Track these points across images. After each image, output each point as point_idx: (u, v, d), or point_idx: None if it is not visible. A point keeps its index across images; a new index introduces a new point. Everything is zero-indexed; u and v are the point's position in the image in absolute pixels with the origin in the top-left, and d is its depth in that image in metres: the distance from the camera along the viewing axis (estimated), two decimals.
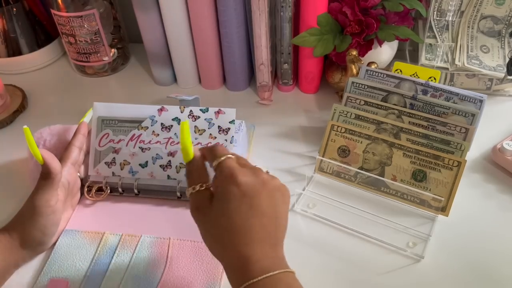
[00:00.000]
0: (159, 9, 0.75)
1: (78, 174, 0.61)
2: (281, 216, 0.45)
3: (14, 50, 0.89)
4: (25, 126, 0.51)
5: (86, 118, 0.66)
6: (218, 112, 0.62)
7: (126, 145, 0.62)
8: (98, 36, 0.83)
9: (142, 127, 0.62)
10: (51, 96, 0.86)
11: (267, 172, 0.46)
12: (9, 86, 0.85)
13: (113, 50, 0.88)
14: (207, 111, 0.62)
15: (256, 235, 0.42)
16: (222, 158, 0.45)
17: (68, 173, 0.57)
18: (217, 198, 0.44)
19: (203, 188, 0.45)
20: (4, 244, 0.51)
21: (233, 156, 0.46)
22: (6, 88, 0.82)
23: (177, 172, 0.61)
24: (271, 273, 0.40)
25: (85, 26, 0.81)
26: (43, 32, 0.91)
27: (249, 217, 0.42)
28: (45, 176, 0.52)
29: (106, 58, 0.87)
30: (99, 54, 0.86)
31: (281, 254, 0.43)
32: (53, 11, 0.81)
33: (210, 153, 0.46)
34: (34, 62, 0.91)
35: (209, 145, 0.59)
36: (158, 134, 0.62)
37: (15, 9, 0.86)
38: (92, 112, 0.64)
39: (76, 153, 0.59)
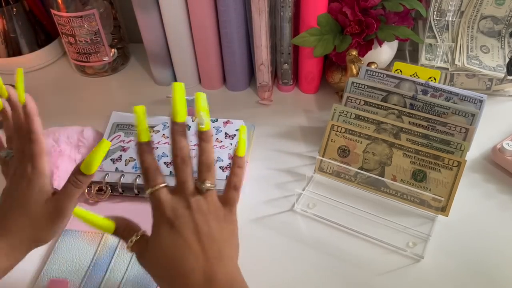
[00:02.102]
0: (159, 9, 0.75)
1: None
2: (227, 236, 0.43)
3: (14, 50, 0.89)
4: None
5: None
6: (226, 122, 0.67)
7: (135, 145, 0.63)
8: (98, 36, 0.83)
9: (153, 130, 0.66)
10: (51, 96, 0.86)
11: (211, 184, 0.44)
12: (9, 86, 0.85)
13: (113, 50, 0.88)
14: (216, 121, 0.68)
15: (198, 265, 0.40)
16: (154, 189, 0.43)
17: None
18: (152, 235, 0.43)
19: (138, 237, 0.44)
20: None
21: (163, 184, 0.43)
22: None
23: None
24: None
25: (85, 26, 0.81)
26: (43, 32, 0.91)
27: (186, 248, 0.41)
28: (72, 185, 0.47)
29: (106, 58, 0.87)
30: (99, 54, 0.86)
31: (230, 275, 0.41)
32: (53, 11, 0.81)
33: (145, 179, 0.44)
34: (34, 62, 0.91)
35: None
36: (168, 137, 0.63)
37: (15, 9, 0.86)
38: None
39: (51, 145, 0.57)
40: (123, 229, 0.45)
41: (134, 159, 0.63)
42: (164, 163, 0.62)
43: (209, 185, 0.43)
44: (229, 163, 0.62)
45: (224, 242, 0.42)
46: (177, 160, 0.43)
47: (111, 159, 0.64)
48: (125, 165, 0.63)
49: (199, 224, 0.41)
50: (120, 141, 0.66)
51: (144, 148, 0.44)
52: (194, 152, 0.63)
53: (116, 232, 0.45)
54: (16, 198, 0.46)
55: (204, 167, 0.44)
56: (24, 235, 0.46)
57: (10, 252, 0.46)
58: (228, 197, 0.44)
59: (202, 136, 0.46)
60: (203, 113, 0.46)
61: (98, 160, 0.46)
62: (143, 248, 0.43)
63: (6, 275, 0.46)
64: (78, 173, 0.46)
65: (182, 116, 0.45)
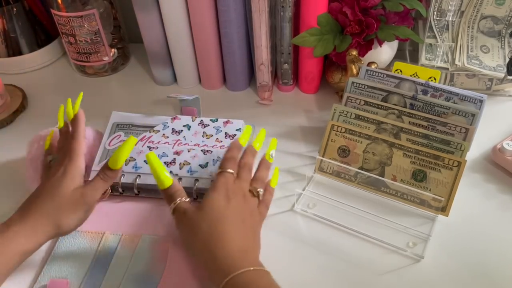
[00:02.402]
0: (159, 9, 0.75)
1: None
2: (258, 235, 0.52)
3: (14, 50, 0.89)
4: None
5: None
6: (226, 122, 0.67)
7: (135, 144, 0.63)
8: (98, 36, 0.83)
9: (153, 130, 0.66)
10: (51, 96, 0.86)
11: (258, 193, 0.54)
12: (9, 86, 0.85)
13: (113, 50, 0.88)
14: (216, 121, 0.67)
15: (240, 235, 0.48)
16: (225, 170, 0.53)
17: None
18: (206, 198, 0.50)
19: (187, 200, 0.51)
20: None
21: (234, 173, 0.54)
22: (6, 88, 0.82)
23: (180, 169, 0.61)
24: (256, 267, 0.44)
25: (85, 26, 0.81)
26: (43, 32, 0.91)
27: (235, 219, 0.49)
28: (105, 178, 0.53)
29: (106, 58, 0.87)
30: (99, 54, 0.86)
31: (259, 261, 0.48)
32: (53, 11, 0.81)
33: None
34: (34, 62, 0.91)
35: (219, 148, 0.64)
36: (168, 137, 0.65)
37: (15, 9, 0.86)
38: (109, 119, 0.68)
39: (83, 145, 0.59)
40: (175, 190, 0.51)
41: (135, 159, 0.63)
42: (165, 162, 0.62)
43: (261, 192, 0.54)
44: None
45: (257, 240, 0.51)
46: (242, 170, 0.55)
47: None
48: (125, 165, 0.63)
49: (246, 212, 0.51)
50: (120, 141, 0.66)
51: (237, 145, 0.57)
52: (193, 152, 0.64)
53: (168, 189, 0.51)
54: (49, 183, 0.51)
55: (259, 180, 0.55)
56: (47, 218, 0.49)
57: (31, 235, 0.49)
58: (261, 211, 0.54)
59: (266, 163, 0.58)
60: (273, 151, 0.59)
61: (124, 156, 0.52)
62: (191, 208, 0.50)
63: (26, 258, 0.49)
64: (106, 168, 0.52)
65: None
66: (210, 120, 0.67)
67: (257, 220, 0.53)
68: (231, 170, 0.53)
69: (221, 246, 0.46)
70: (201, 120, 0.67)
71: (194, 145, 0.64)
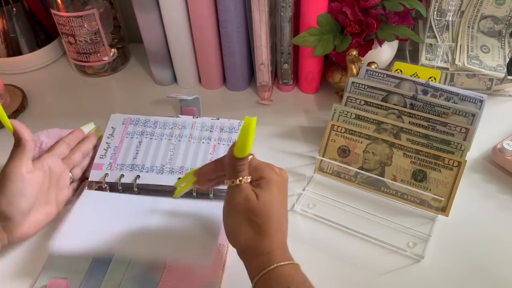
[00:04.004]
0: (159, 9, 0.75)
1: (70, 174, 0.61)
2: (287, 210, 0.50)
3: (14, 50, 0.89)
4: None
5: (86, 128, 0.66)
6: (229, 120, 0.67)
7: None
8: (98, 36, 0.83)
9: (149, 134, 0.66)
10: (51, 96, 0.86)
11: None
12: (9, 86, 0.85)
13: (113, 50, 0.88)
14: (218, 120, 0.67)
15: (282, 224, 0.48)
16: (250, 157, 0.48)
17: (50, 160, 0.57)
18: (257, 189, 0.47)
19: (248, 181, 0.47)
20: None
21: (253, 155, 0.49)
22: (6, 88, 0.82)
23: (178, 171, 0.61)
24: (293, 262, 0.45)
25: (85, 26, 0.81)
26: (43, 32, 0.91)
27: (283, 207, 0.48)
28: (16, 143, 0.53)
29: (106, 58, 0.87)
30: (99, 54, 0.86)
31: (290, 254, 0.48)
32: (53, 11, 0.81)
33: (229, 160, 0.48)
34: (34, 62, 0.91)
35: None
36: (165, 138, 0.65)
37: (15, 9, 0.86)
38: (110, 119, 0.68)
39: (63, 147, 0.60)
40: (245, 164, 0.47)
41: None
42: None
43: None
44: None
45: (287, 215, 0.50)
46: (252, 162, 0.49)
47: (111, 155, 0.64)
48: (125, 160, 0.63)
49: (284, 193, 0.49)
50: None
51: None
52: (191, 146, 0.64)
53: (241, 160, 0.47)
54: None
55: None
56: None
57: None
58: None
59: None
60: None
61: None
62: (251, 193, 0.46)
63: None
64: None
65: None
66: (211, 119, 0.67)
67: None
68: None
69: (268, 240, 0.46)
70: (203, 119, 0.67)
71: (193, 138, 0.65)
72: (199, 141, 0.65)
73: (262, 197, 0.46)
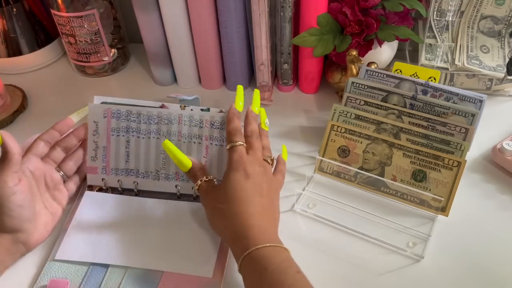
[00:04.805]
0: (159, 9, 0.75)
1: (62, 172, 0.60)
2: (277, 203, 0.55)
3: (14, 50, 0.89)
4: None
5: (78, 114, 0.64)
6: (219, 112, 0.61)
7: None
8: (98, 36, 0.83)
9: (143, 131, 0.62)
10: (51, 96, 0.86)
11: (272, 160, 0.58)
12: (9, 86, 0.85)
13: (113, 50, 0.88)
14: (208, 111, 0.62)
15: (259, 210, 0.50)
16: (238, 143, 0.54)
17: (29, 163, 0.56)
18: (225, 177, 0.52)
19: (208, 179, 0.54)
20: None
21: (244, 145, 0.55)
22: (6, 88, 0.82)
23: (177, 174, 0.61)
24: (273, 244, 0.46)
25: (85, 26, 0.81)
26: (43, 32, 0.91)
27: (253, 195, 0.51)
28: (3, 156, 0.52)
29: (106, 58, 0.87)
30: (99, 54, 0.86)
31: (277, 237, 0.50)
32: (53, 11, 0.81)
33: (228, 132, 0.56)
34: (34, 62, 0.91)
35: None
36: (161, 134, 0.61)
37: (15, 9, 0.86)
38: (88, 110, 0.63)
39: (40, 146, 0.58)
40: (198, 169, 0.55)
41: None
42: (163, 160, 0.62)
43: (272, 158, 0.58)
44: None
45: (276, 211, 0.54)
46: (251, 138, 0.56)
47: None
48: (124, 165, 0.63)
49: (264, 183, 0.53)
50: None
51: (236, 113, 0.58)
52: (182, 147, 0.63)
53: (190, 171, 0.55)
54: None
55: (266, 148, 0.59)
56: None
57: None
58: (278, 179, 0.58)
59: (264, 132, 0.61)
60: (267, 120, 0.63)
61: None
62: (212, 186, 0.54)
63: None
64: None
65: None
66: (201, 110, 0.61)
67: (275, 187, 0.56)
68: (240, 142, 0.54)
69: (242, 224, 0.48)
70: (191, 109, 0.61)
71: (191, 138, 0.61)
72: (190, 140, 0.60)
73: (223, 184, 0.52)
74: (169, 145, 0.55)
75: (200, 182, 0.54)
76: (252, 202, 0.50)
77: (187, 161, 0.55)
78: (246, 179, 0.51)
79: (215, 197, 0.52)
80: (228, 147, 0.55)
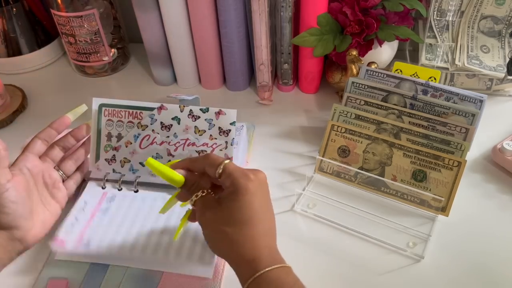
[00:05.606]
0: (159, 9, 0.75)
1: (61, 172, 0.60)
2: (273, 212, 0.49)
3: (14, 50, 0.89)
4: None
5: (76, 112, 0.63)
6: (218, 113, 0.61)
7: (126, 146, 0.62)
8: (98, 36, 0.83)
9: (141, 125, 0.62)
10: (51, 96, 0.86)
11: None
12: (9, 86, 0.85)
13: (113, 50, 0.88)
14: (207, 111, 0.61)
15: (267, 228, 0.46)
16: (226, 163, 0.47)
17: (26, 161, 0.56)
18: (228, 197, 0.46)
19: (205, 193, 0.48)
20: None
21: (231, 160, 0.49)
22: (6, 88, 0.82)
23: None
24: (281, 265, 0.44)
25: (85, 26, 0.81)
26: (43, 32, 0.91)
27: (262, 211, 0.46)
28: None
29: (106, 58, 0.87)
30: (99, 54, 0.86)
31: (279, 253, 0.46)
32: (53, 11, 0.81)
33: (205, 162, 0.48)
34: (34, 62, 0.91)
35: (201, 152, 0.61)
36: (158, 133, 0.61)
37: (15, 9, 0.86)
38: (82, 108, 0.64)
39: (38, 144, 0.58)
40: (192, 183, 0.49)
41: (130, 160, 0.62)
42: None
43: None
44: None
45: (273, 216, 0.49)
46: (226, 169, 0.48)
47: (105, 159, 0.63)
48: (121, 166, 0.62)
49: (264, 196, 0.47)
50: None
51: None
52: (187, 153, 0.63)
53: (184, 186, 0.49)
54: None
55: (213, 160, 0.50)
56: None
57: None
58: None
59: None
60: None
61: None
62: (212, 203, 0.47)
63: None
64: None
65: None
66: (200, 110, 0.60)
67: (268, 190, 0.49)
68: (224, 160, 0.48)
69: (250, 246, 0.44)
70: (190, 110, 0.60)
71: (188, 144, 0.62)
72: (194, 139, 0.60)
73: (227, 206, 0.45)
74: (152, 162, 0.48)
75: (195, 198, 0.48)
76: (262, 221, 0.46)
77: (178, 177, 0.49)
78: (253, 193, 0.45)
79: (218, 218, 0.46)
80: (218, 172, 0.47)
